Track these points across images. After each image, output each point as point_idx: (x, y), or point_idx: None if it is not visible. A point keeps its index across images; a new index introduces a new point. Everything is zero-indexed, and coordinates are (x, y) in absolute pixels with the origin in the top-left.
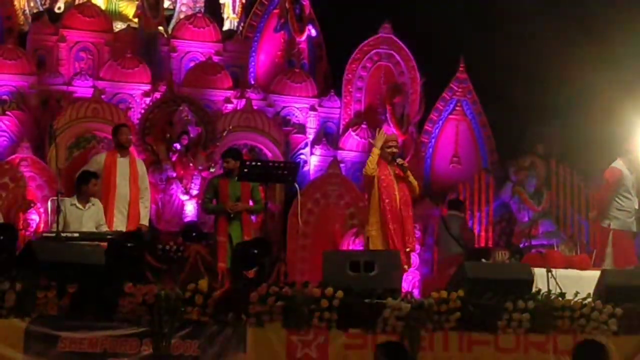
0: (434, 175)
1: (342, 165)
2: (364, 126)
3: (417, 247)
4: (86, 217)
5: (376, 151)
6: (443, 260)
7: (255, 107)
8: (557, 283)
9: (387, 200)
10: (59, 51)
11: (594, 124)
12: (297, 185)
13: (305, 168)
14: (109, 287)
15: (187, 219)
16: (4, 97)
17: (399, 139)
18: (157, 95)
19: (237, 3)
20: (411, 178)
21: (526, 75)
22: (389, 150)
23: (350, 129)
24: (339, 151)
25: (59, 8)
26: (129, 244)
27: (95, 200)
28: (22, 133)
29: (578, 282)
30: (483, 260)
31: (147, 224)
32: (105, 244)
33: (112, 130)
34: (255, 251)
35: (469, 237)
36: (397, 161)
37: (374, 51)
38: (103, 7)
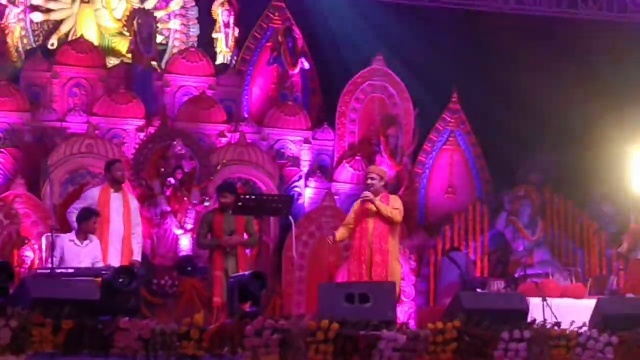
0: (429, 205)
1: (336, 197)
2: (358, 158)
3: (413, 277)
4: (84, 254)
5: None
6: (441, 290)
7: (249, 141)
8: (552, 312)
9: (355, 236)
10: (52, 87)
11: (588, 153)
12: (291, 218)
13: (300, 201)
14: (104, 323)
15: (182, 253)
16: None
17: (393, 170)
18: (151, 130)
19: (230, 37)
20: (382, 209)
21: (520, 105)
22: (367, 182)
23: (344, 161)
24: (333, 183)
25: (52, 44)
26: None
27: (92, 237)
28: (16, 170)
29: (574, 311)
30: (479, 290)
31: (139, 260)
32: (100, 279)
33: (104, 165)
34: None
35: (472, 271)
36: (362, 195)
37: (367, 83)
38: (96, 42)
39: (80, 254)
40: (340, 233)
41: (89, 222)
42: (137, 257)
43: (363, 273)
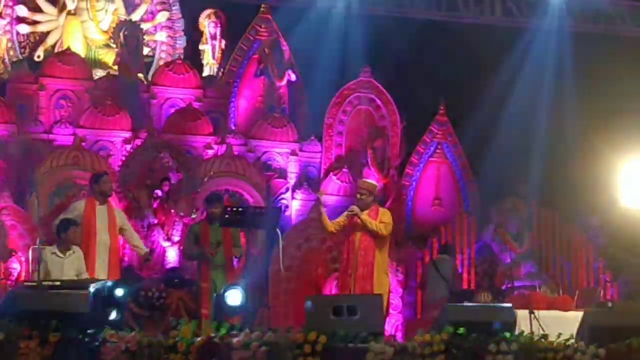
0: (416, 218)
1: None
2: (345, 170)
3: (400, 289)
4: (67, 265)
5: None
6: (430, 303)
7: (236, 153)
8: (540, 324)
9: (343, 249)
10: (39, 99)
11: (575, 166)
12: (278, 230)
13: (287, 213)
14: (91, 335)
15: (169, 266)
16: None
17: (380, 182)
18: (138, 142)
19: (217, 49)
20: (368, 223)
21: (507, 116)
22: (356, 197)
23: (331, 173)
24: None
25: (39, 56)
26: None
27: (75, 248)
28: (3, 182)
29: (561, 323)
30: (466, 302)
31: (147, 250)
32: (86, 291)
33: (91, 177)
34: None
35: (458, 281)
36: (349, 209)
37: (354, 95)
38: (82, 54)
39: (63, 265)
40: (327, 221)
41: (68, 233)
42: (144, 248)
43: (349, 286)
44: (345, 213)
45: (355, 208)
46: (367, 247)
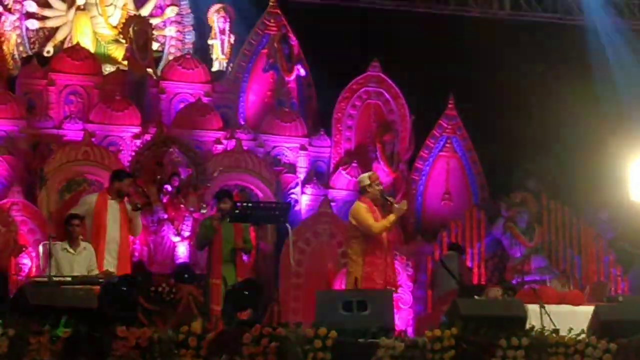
0: (426, 212)
1: (333, 204)
2: (354, 165)
3: (410, 284)
4: (78, 261)
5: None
6: (439, 297)
7: (245, 148)
8: (550, 319)
9: (372, 246)
10: (48, 95)
11: (584, 160)
12: (288, 226)
13: (297, 207)
14: (102, 331)
15: (179, 261)
16: None
17: (390, 177)
18: (147, 137)
19: (226, 44)
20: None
21: (517, 111)
22: (378, 188)
23: (340, 168)
24: (330, 190)
25: (48, 52)
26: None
27: (86, 244)
28: (13, 177)
29: (572, 318)
30: (476, 297)
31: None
32: (97, 287)
33: (113, 173)
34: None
35: (467, 275)
36: (389, 200)
37: (363, 89)
38: (92, 50)
39: (74, 261)
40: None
41: (69, 226)
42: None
43: (381, 284)
44: (399, 207)
45: (393, 200)
46: (391, 246)
